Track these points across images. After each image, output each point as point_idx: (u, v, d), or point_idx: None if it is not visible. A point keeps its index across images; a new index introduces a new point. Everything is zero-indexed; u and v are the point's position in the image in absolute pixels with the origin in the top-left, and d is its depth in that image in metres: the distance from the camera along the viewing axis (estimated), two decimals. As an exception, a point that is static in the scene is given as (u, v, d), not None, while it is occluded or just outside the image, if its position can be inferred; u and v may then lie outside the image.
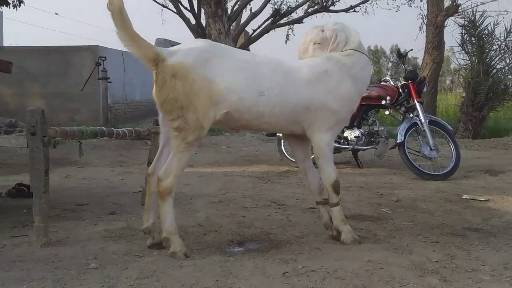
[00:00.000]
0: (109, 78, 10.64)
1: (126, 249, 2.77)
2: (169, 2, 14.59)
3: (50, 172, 2.88)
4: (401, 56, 5.90)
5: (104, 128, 3.39)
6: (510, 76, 9.57)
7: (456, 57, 10.11)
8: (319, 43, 3.00)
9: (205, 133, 2.68)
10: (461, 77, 10.29)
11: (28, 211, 3.40)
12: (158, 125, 3.56)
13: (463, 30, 9.65)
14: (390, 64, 50.65)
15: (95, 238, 2.98)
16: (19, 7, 11.77)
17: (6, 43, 14.90)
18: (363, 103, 5.75)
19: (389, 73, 36.96)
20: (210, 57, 2.61)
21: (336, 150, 5.67)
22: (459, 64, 10.27)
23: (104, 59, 10.63)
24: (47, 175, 2.81)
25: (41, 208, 2.78)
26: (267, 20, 15.98)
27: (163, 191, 2.61)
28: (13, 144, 3.00)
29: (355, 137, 5.72)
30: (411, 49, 6.13)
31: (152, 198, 2.78)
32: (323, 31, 3.03)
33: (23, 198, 3.96)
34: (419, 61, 14.84)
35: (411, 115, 5.52)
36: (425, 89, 5.80)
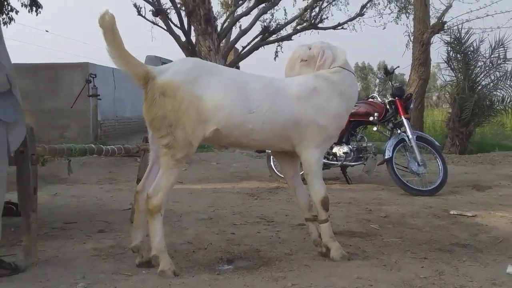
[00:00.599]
0: (99, 95, 10.63)
1: (114, 268, 2.76)
2: (159, 20, 14.69)
3: (38, 190, 2.88)
4: (388, 73, 5.99)
5: (93, 145, 3.40)
6: (495, 92, 9.71)
7: (442, 73, 10.26)
8: (306, 60, 3.05)
9: (194, 150, 2.70)
10: (447, 93, 10.43)
11: (16, 229, 3.39)
12: (148, 142, 3.60)
13: (449, 47, 9.81)
14: (377, 81, 51.19)
15: (84, 257, 2.96)
16: (9, 24, 11.79)
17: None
18: (351, 119, 5.81)
19: (376, 89, 37.30)
20: (198, 75, 2.64)
21: (325, 166, 5.71)
22: (445, 81, 10.42)
23: (94, 76, 10.63)
24: (35, 193, 2.80)
25: (29, 226, 2.76)
26: (256, 37, 16.13)
27: (152, 208, 2.61)
28: (1, 163, 2.98)
29: (343, 153, 5.77)
30: (398, 66, 6.24)
31: (140, 216, 2.78)
32: (310, 49, 3.08)
33: (11, 216, 3.91)
34: (406, 78, 15.02)
35: (399, 131, 5.59)
36: (412, 105, 5.88)
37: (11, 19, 11.72)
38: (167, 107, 2.55)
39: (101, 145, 3.52)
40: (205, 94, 2.61)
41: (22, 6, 11.81)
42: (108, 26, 2.46)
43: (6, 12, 11.58)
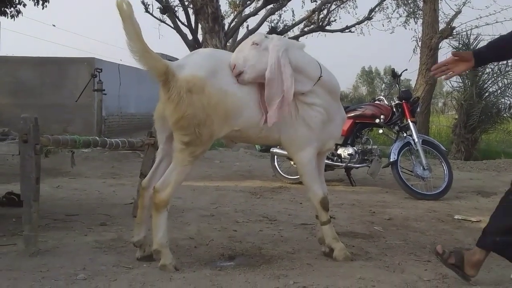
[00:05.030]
0: (104, 90, 10.63)
1: (115, 260, 2.74)
2: (167, 17, 14.71)
3: (41, 182, 2.86)
4: (395, 76, 5.96)
5: (97, 138, 3.38)
6: (502, 99, 9.67)
7: (449, 79, 10.23)
8: (257, 44, 2.68)
9: (211, 144, 2.67)
10: (454, 99, 10.39)
11: (17, 220, 3.37)
12: (153, 136, 3.57)
13: (457, 53, 9.76)
14: (383, 85, 51.06)
15: (85, 249, 2.94)
16: (17, 17, 11.80)
17: (2, 53, 14.90)
18: (357, 121, 5.79)
19: (382, 93, 37.18)
20: (219, 68, 2.58)
21: (329, 168, 5.68)
22: (452, 87, 10.39)
23: (100, 71, 10.63)
24: (38, 183, 2.79)
25: (31, 216, 2.75)
26: (263, 37, 16.11)
27: (159, 203, 2.58)
28: (4, 151, 2.98)
29: (348, 154, 5.73)
30: (406, 69, 6.18)
31: (144, 211, 2.75)
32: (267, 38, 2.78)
33: (13, 207, 3.91)
34: (412, 83, 14.99)
35: (405, 134, 5.55)
36: (418, 109, 5.84)
37: (18, 12, 11.71)
38: (196, 104, 2.46)
39: (105, 138, 3.50)
40: (230, 88, 2.56)
41: (29, -1, 11.80)
42: (127, 15, 2.36)
43: (14, 5, 11.58)
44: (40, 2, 11.82)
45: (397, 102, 5.68)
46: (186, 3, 13.29)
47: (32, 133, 2.74)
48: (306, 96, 2.78)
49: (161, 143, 2.77)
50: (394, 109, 5.66)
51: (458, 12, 10.91)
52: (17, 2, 11.60)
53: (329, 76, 2.88)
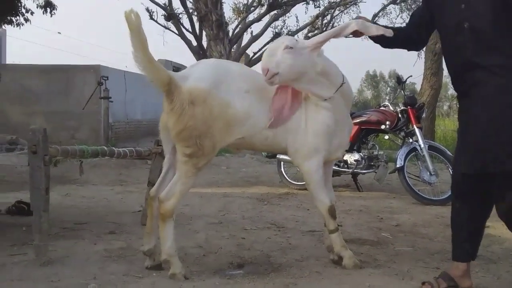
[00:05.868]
0: (110, 98, 10.68)
1: (125, 269, 2.76)
2: (171, 24, 14.77)
3: (50, 190, 2.88)
4: (400, 82, 5.97)
5: (105, 147, 3.40)
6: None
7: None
8: (291, 48, 2.64)
9: (215, 155, 2.69)
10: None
11: (27, 229, 3.39)
12: (160, 145, 3.59)
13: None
14: (388, 89, 51.01)
15: (94, 258, 2.96)
16: (23, 26, 11.90)
17: (9, 61, 15.02)
18: (363, 127, 5.81)
19: (387, 97, 37.20)
20: (223, 80, 2.59)
21: (336, 173, 5.68)
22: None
23: (106, 78, 10.68)
24: (47, 193, 2.81)
25: (41, 227, 2.77)
26: (267, 43, 16.16)
27: (164, 213, 2.60)
28: (14, 163, 3.01)
29: (354, 160, 5.74)
30: (411, 76, 6.21)
31: (154, 220, 2.76)
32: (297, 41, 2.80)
33: (23, 215, 3.95)
34: (417, 87, 14.96)
35: (411, 140, 5.55)
36: (424, 115, 5.85)
37: (26, 20, 11.81)
38: (197, 116, 2.48)
39: (113, 148, 3.53)
40: (233, 100, 2.57)
41: (37, 7, 11.91)
42: (135, 26, 2.37)
43: (21, 14, 11.69)
44: (48, 10, 11.93)
45: (402, 108, 5.69)
46: (191, 10, 13.35)
47: (41, 144, 2.76)
48: (323, 102, 2.78)
49: (167, 153, 2.79)
50: (400, 115, 5.68)
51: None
52: (24, 11, 11.72)
53: (348, 84, 2.91)
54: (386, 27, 2.72)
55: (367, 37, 2.82)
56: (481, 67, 2.35)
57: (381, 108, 5.97)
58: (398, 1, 16.07)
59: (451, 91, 15.17)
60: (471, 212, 2.56)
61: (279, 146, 2.87)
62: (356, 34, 2.74)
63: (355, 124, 5.52)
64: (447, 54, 2.61)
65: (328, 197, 2.89)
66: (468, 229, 2.59)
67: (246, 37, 16.06)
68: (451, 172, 2.77)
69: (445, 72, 11.30)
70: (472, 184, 2.49)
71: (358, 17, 2.82)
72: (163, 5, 13.66)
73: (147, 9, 14.18)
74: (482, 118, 2.36)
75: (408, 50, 2.96)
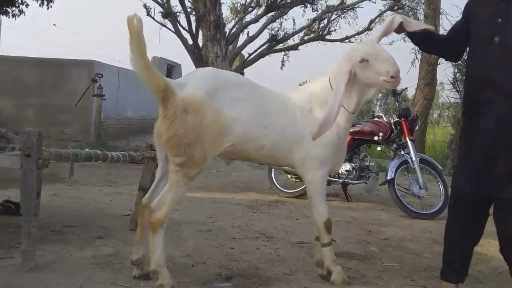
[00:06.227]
0: (104, 95, 10.61)
1: (112, 278, 2.74)
2: (168, 21, 14.71)
3: (39, 190, 2.84)
4: (395, 94, 6.00)
5: (98, 151, 3.38)
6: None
7: (447, 94, 10.33)
8: (367, 61, 2.72)
9: (207, 165, 2.68)
10: (451, 114, 10.46)
11: (14, 230, 3.36)
12: (153, 150, 3.58)
13: (456, 69, 9.84)
14: (380, 95, 51.12)
15: (82, 265, 2.93)
16: (18, 17, 11.77)
17: (3, 52, 14.85)
18: (355, 137, 5.83)
19: (378, 103, 37.33)
20: (218, 89, 2.59)
21: (326, 183, 5.69)
22: (449, 102, 10.44)
23: (100, 76, 10.60)
24: (38, 198, 2.78)
25: (29, 231, 2.74)
26: (263, 45, 16.18)
27: (155, 222, 2.58)
28: (6, 165, 2.97)
29: (346, 170, 5.76)
30: (406, 88, 6.23)
31: (144, 229, 2.75)
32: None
33: (10, 215, 3.91)
34: (409, 93, 15.01)
35: (402, 152, 5.58)
36: (417, 128, 5.88)
37: (21, 12, 11.69)
38: (188, 124, 2.48)
39: (106, 152, 3.51)
40: (225, 108, 2.58)
41: (34, -1, 11.79)
42: (136, 31, 2.35)
43: (16, 5, 11.56)
44: (45, 2, 11.81)
45: (396, 119, 5.72)
46: (189, 9, 13.30)
47: (35, 148, 2.74)
48: (350, 114, 2.88)
49: (160, 160, 2.78)
50: (393, 127, 5.71)
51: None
52: (20, 2, 11.59)
53: None
54: (434, 34, 2.87)
55: (408, 38, 2.93)
56: (497, 85, 2.38)
57: (375, 119, 6.00)
58: (395, 8, 16.13)
59: (442, 99, 15.26)
60: (467, 231, 2.60)
61: (281, 157, 2.86)
62: (400, 29, 2.80)
63: (349, 134, 5.53)
64: (469, 66, 2.65)
65: (327, 211, 2.91)
66: (462, 248, 2.62)
67: (242, 38, 16.09)
68: (450, 190, 2.79)
69: (438, 80, 11.41)
70: (471, 203, 2.52)
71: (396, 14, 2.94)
72: (160, 2, 13.61)
73: (145, 6, 14.13)
74: (489, 138, 2.38)
75: (445, 59, 3.08)
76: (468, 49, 2.70)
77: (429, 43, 2.84)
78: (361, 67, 2.72)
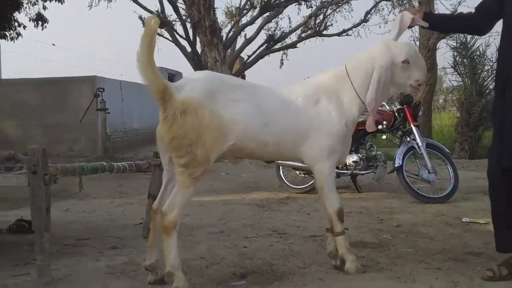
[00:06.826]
0: (107, 109, 10.69)
1: (128, 285, 2.77)
2: (164, 31, 14.80)
3: (50, 205, 2.88)
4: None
5: (104, 163, 3.41)
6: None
7: (449, 78, 10.29)
8: (408, 63, 2.88)
9: (211, 165, 2.70)
10: (455, 97, 10.41)
11: (29, 247, 3.40)
12: (159, 157, 3.60)
13: (455, 52, 9.80)
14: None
15: (97, 275, 2.96)
16: (16, 39, 11.91)
17: (4, 75, 15.00)
18: (360, 128, 5.80)
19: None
20: (216, 90, 2.63)
21: (335, 176, 5.69)
22: (452, 86, 10.40)
23: (102, 90, 10.69)
24: (48, 213, 2.81)
25: (43, 247, 2.76)
26: (261, 46, 16.22)
27: (167, 225, 2.60)
28: (14, 184, 3.01)
29: (353, 162, 5.76)
30: None
31: (156, 234, 2.77)
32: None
33: (24, 234, 3.95)
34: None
35: (408, 138, 5.56)
36: (420, 113, 5.86)
37: (18, 34, 11.83)
38: (188, 125, 2.52)
39: (112, 162, 3.53)
40: (223, 109, 2.61)
41: (30, 21, 11.94)
42: (151, 30, 2.44)
43: (13, 28, 11.70)
44: (40, 23, 11.96)
45: (398, 107, 5.70)
46: (184, 17, 13.37)
47: (40, 164, 2.77)
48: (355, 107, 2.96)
49: (165, 164, 2.80)
50: (396, 114, 5.69)
51: (454, 12, 10.94)
52: (16, 24, 11.74)
53: None
54: (452, 14, 3.00)
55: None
56: None
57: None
58: (389, -3, 16.13)
59: (446, 84, 15.19)
60: (510, 201, 2.73)
61: (287, 151, 2.90)
62: (412, 24, 2.95)
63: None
64: (503, 42, 2.73)
65: (338, 200, 2.93)
66: (508, 215, 2.74)
67: (239, 41, 16.15)
68: (487, 169, 2.95)
69: (439, 66, 11.37)
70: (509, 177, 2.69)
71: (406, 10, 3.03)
72: (156, 12, 13.70)
73: (140, 17, 14.24)
74: None
75: (471, 34, 3.21)
76: (503, 25, 2.75)
77: (450, 23, 3.02)
78: (399, 67, 2.84)
